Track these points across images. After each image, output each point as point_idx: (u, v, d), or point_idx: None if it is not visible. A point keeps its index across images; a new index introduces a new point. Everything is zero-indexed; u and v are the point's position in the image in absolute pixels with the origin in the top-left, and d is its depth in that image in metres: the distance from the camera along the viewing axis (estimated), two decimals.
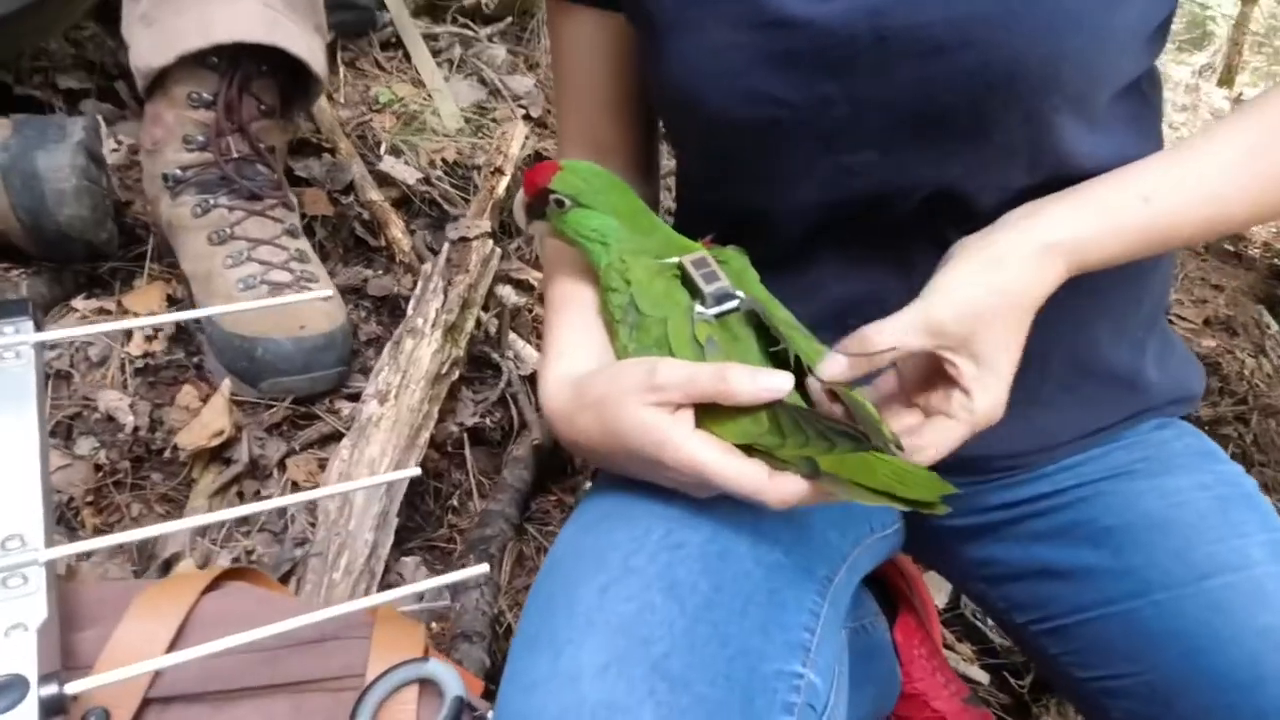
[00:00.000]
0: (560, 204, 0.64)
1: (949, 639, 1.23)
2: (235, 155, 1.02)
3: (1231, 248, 2.87)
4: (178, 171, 1.01)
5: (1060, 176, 0.63)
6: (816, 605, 0.62)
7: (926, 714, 1.04)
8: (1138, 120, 0.70)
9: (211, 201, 1.01)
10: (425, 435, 0.92)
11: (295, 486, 0.86)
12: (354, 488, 0.63)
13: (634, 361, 0.58)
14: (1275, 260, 2.83)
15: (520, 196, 0.66)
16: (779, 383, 0.53)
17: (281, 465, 0.90)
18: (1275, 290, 2.53)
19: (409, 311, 1.03)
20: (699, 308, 0.60)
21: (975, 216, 0.62)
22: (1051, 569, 0.77)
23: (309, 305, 0.94)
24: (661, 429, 0.54)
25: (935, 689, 1.05)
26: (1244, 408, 1.90)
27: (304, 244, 1.07)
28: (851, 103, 0.62)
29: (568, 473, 1.10)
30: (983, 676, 1.21)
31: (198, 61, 0.98)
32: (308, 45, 1.02)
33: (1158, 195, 0.60)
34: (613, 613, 0.54)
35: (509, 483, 0.99)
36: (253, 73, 1.02)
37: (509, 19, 1.95)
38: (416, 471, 0.58)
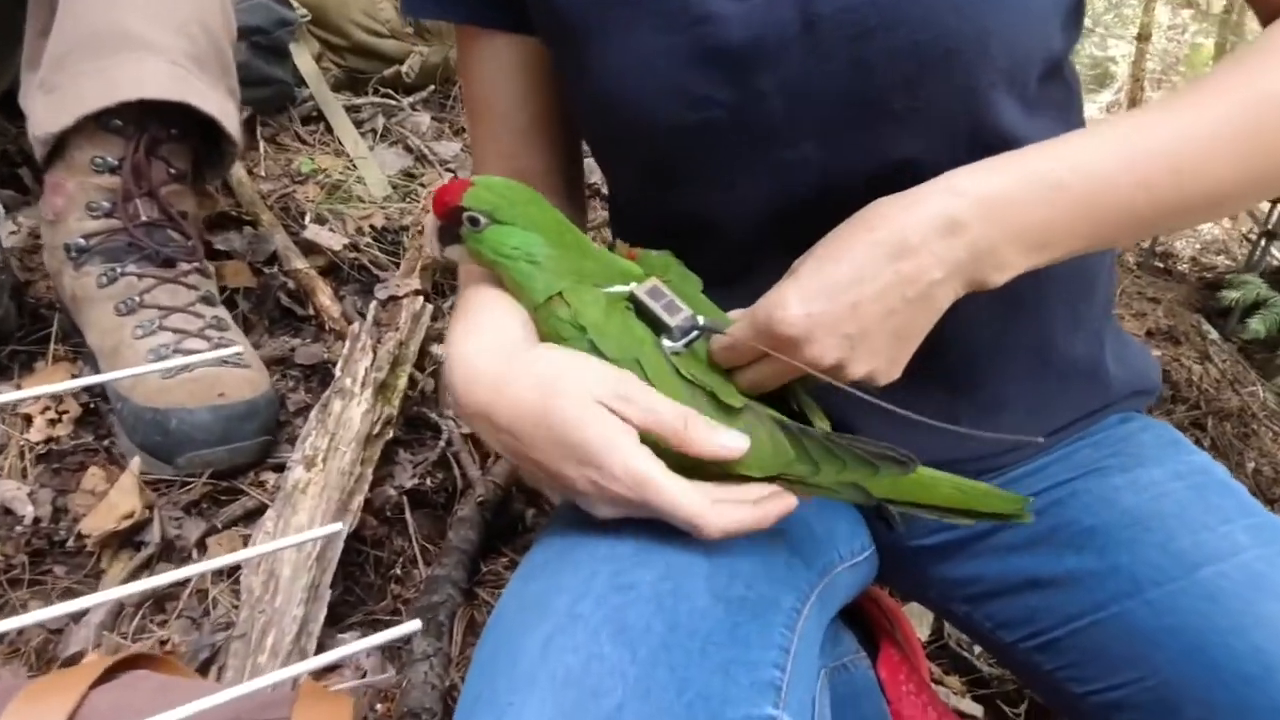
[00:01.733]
0: (475, 222, 0.58)
1: (936, 673, 1.17)
2: (144, 220, 0.97)
3: (1162, 265, 2.95)
4: (81, 240, 0.95)
5: None
6: (785, 639, 0.57)
7: None
8: (1066, 109, 0.69)
9: (119, 270, 0.94)
10: (359, 500, 0.86)
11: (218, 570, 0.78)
12: (272, 549, 0.56)
13: (600, 362, 0.55)
14: (1204, 274, 2.92)
15: (431, 220, 0.61)
16: (736, 443, 0.52)
17: (201, 545, 0.82)
18: (1209, 300, 2.60)
19: (337, 373, 0.97)
20: (666, 342, 0.56)
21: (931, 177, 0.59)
22: (1035, 579, 0.73)
23: (228, 372, 0.88)
24: (617, 433, 0.51)
25: None
26: (1198, 413, 1.91)
27: (222, 311, 1.01)
28: (786, 95, 0.59)
29: (518, 531, 1.04)
30: (976, 709, 1.15)
31: (100, 124, 0.93)
32: (220, 105, 0.98)
33: (1080, 164, 0.55)
34: (558, 665, 0.48)
35: (455, 545, 0.92)
36: (161, 135, 0.97)
37: (431, 87, 1.95)
38: (339, 528, 0.52)
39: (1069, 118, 0.70)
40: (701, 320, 0.57)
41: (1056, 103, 0.67)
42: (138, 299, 0.94)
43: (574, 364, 0.54)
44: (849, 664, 0.97)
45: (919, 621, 1.19)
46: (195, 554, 0.80)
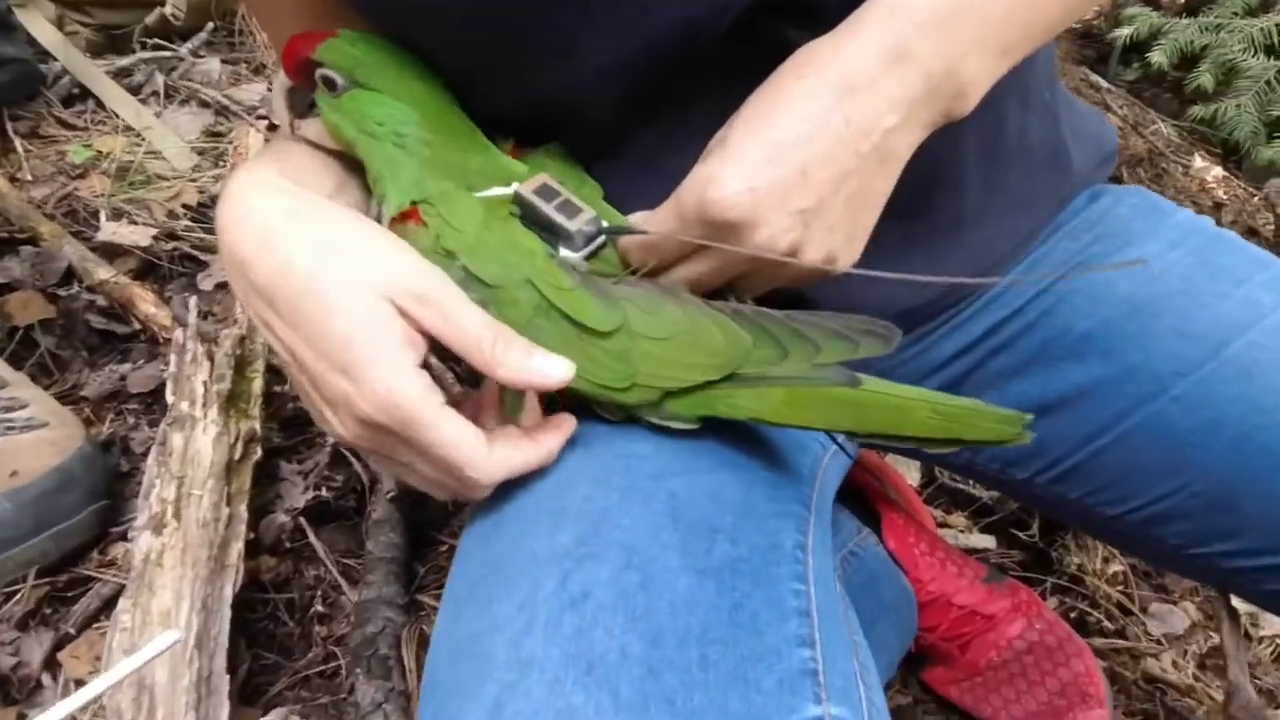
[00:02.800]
0: (331, 84, 0.47)
1: (938, 516, 1.09)
2: None
3: None
4: None
5: None
6: (801, 598, 0.45)
7: (953, 614, 0.90)
8: None
9: None
10: (238, 547, 0.68)
11: (81, 685, 0.61)
12: (92, 694, 0.39)
13: (413, 252, 0.44)
14: (1073, 25, 2.83)
15: (280, 82, 0.48)
16: (555, 370, 0.43)
17: (51, 663, 0.64)
18: (1085, 50, 2.51)
19: (169, 398, 0.78)
20: (564, 252, 0.46)
21: (816, 14, 0.47)
22: (1041, 403, 0.64)
23: (15, 442, 0.68)
24: (392, 342, 0.41)
25: (951, 583, 0.90)
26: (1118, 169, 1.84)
27: None
28: None
29: (449, 510, 0.88)
30: (987, 540, 1.08)
31: None
32: None
33: None
34: None
35: (377, 556, 0.76)
36: None
37: (210, 25, 1.66)
38: (175, 638, 0.36)
39: None
40: (605, 223, 0.47)
41: None
42: None
43: (372, 241, 0.44)
44: (856, 549, 0.87)
45: (907, 468, 1.09)
46: (46, 678, 0.63)
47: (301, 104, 0.50)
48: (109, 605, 0.69)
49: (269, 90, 1.58)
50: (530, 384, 0.43)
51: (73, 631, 0.67)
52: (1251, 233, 1.89)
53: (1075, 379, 0.63)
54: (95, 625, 0.69)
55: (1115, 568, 1.07)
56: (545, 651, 0.38)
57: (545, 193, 0.47)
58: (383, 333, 0.41)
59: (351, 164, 0.51)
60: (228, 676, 0.58)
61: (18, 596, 0.69)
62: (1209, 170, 2.08)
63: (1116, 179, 1.85)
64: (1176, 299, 0.61)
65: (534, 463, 0.45)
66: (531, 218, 0.47)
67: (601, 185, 0.54)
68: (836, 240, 0.46)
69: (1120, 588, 1.06)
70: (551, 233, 0.47)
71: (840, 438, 0.63)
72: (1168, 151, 2.06)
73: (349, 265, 0.42)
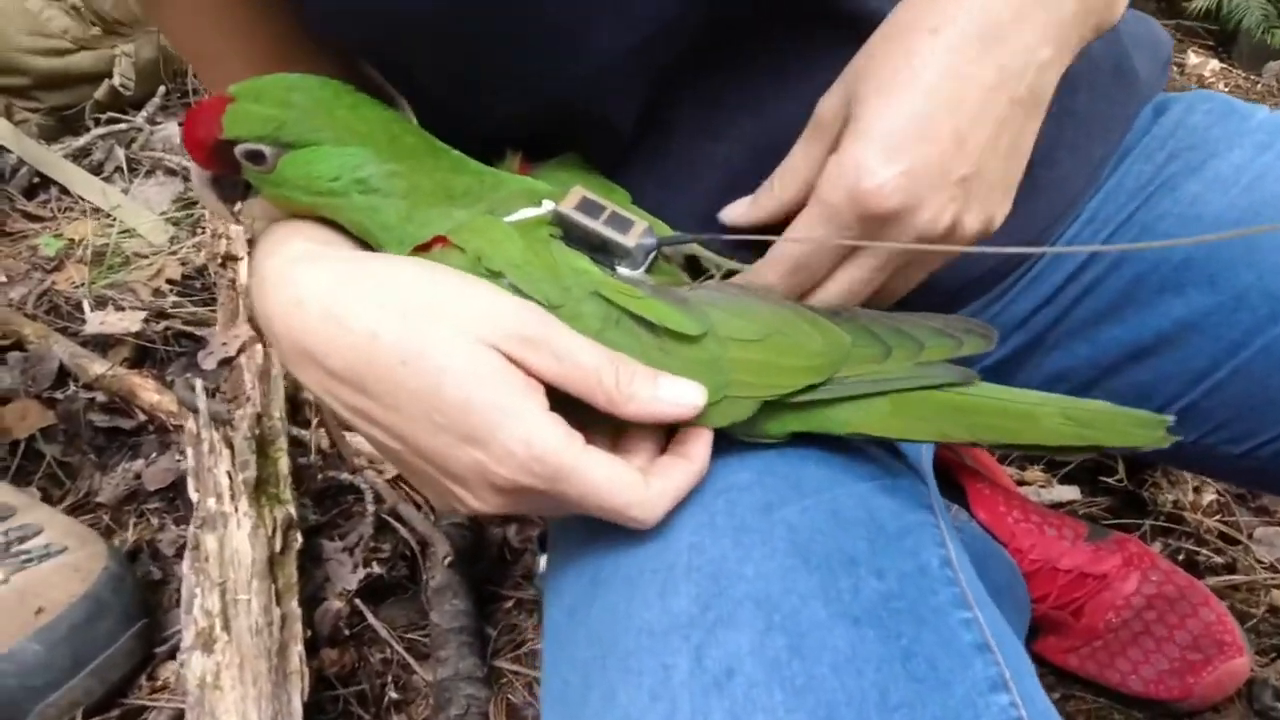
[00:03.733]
0: (256, 157, 0.39)
1: (1015, 475, 1.03)
2: None
3: None
4: None
5: None
6: (971, 625, 0.38)
7: (1060, 580, 0.84)
8: None
9: None
10: (298, 649, 0.62)
11: None
12: None
13: (489, 284, 0.38)
14: None
15: (196, 172, 0.41)
16: (689, 397, 0.38)
17: None
18: None
19: (192, 497, 0.71)
20: (623, 270, 0.41)
21: None
22: (1137, 348, 0.59)
23: (35, 575, 0.62)
24: (517, 393, 0.35)
25: (1053, 547, 0.85)
26: None
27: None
28: None
29: (507, 561, 0.82)
30: (1071, 491, 1.02)
31: None
32: None
33: None
34: None
35: (445, 628, 0.70)
36: None
37: (162, 90, 1.59)
38: None
39: None
40: (654, 234, 0.42)
41: None
42: None
43: (452, 286, 0.37)
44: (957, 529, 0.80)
45: None
46: None
47: (233, 189, 0.42)
48: None
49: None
50: (662, 417, 0.38)
51: None
52: None
53: (1176, 314, 0.57)
54: None
55: (1209, 497, 1.01)
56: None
57: (588, 208, 0.41)
58: (501, 385, 0.35)
59: None
60: None
61: None
62: (1206, 64, 2.02)
63: None
64: None
65: (693, 482, 0.40)
66: (578, 237, 0.41)
67: (629, 191, 0.48)
68: (994, 200, 0.42)
69: (1218, 517, 1.00)
70: (605, 251, 0.41)
71: None
72: None
73: (438, 319, 0.36)
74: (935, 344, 0.41)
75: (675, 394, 0.37)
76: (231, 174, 0.41)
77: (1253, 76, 1.99)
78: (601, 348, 0.37)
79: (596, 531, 0.41)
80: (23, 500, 0.76)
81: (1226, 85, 1.98)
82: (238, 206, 0.43)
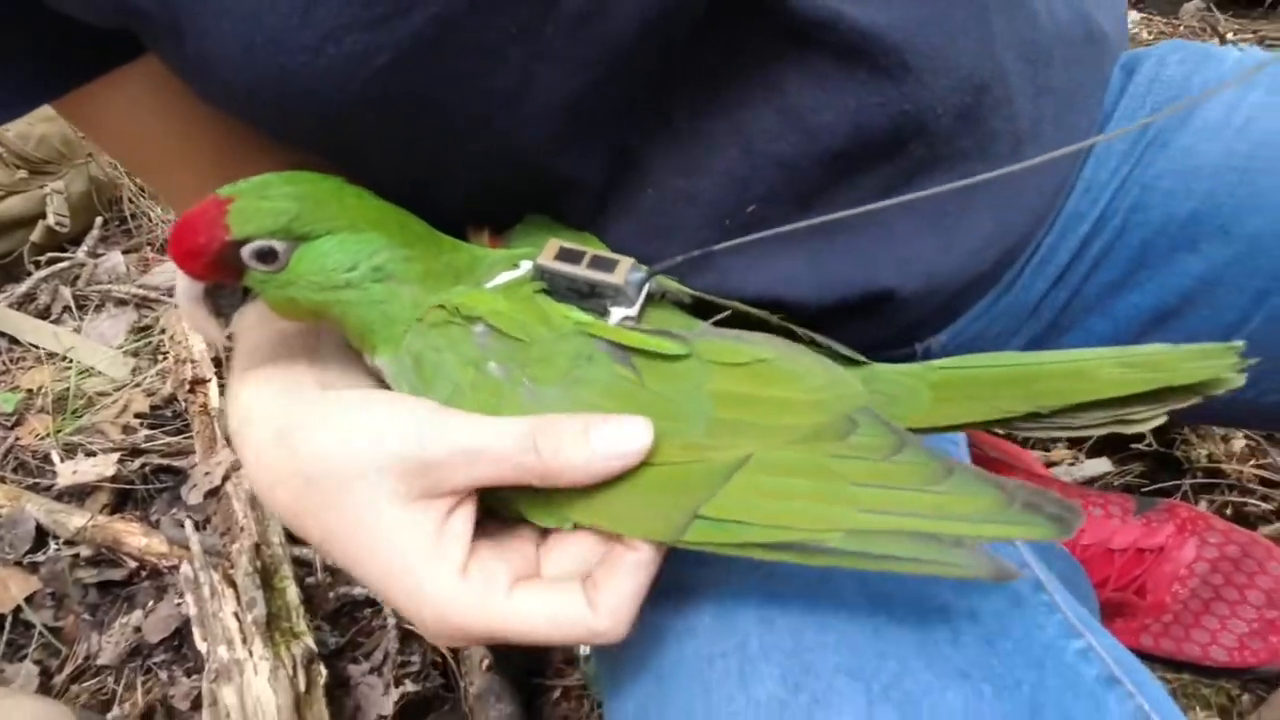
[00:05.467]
0: (267, 256, 0.36)
1: (1040, 456, 1.00)
2: None
3: None
4: None
5: None
6: (1094, 663, 0.36)
7: (1117, 560, 0.81)
8: None
9: None
10: None
11: None
12: None
13: (383, 405, 0.36)
14: None
15: (187, 288, 0.37)
16: (628, 436, 0.33)
17: None
18: None
19: (200, 648, 0.66)
20: (617, 311, 0.38)
21: None
22: (1161, 310, 0.57)
23: None
24: (418, 551, 0.33)
25: (1103, 526, 0.82)
26: None
27: None
28: None
29: (543, 648, 0.77)
30: (1102, 465, 0.99)
31: None
32: None
33: None
34: None
35: None
36: None
37: (99, 221, 1.55)
38: None
39: None
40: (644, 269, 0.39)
41: None
42: None
43: (333, 443, 0.35)
44: None
45: None
46: None
47: (230, 302, 0.39)
48: None
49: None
50: (607, 473, 0.33)
51: None
52: None
53: (1194, 270, 0.55)
54: None
55: (1239, 444, 0.98)
56: None
57: (568, 255, 0.39)
58: (410, 549, 0.33)
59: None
60: None
61: None
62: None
63: None
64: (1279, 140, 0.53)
65: (644, 573, 0.34)
66: (565, 288, 0.39)
67: (611, 242, 0.45)
68: None
69: (1252, 463, 0.97)
70: (595, 296, 0.38)
71: None
72: None
73: (336, 484, 0.34)
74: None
75: (612, 443, 0.33)
76: (231, 282, 0.38)
77: (1173, 21, 2.02)
78: (514, 422, 0.34)
79: (651, 623, 0.37)
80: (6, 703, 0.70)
81: (1149, 33, 2.01)
82: (232, 323, 0.39)
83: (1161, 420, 0.36)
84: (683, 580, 0.39)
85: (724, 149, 0.45)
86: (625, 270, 0.38)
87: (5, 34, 0.42)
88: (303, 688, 0.62)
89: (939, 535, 0.31)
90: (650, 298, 0.40)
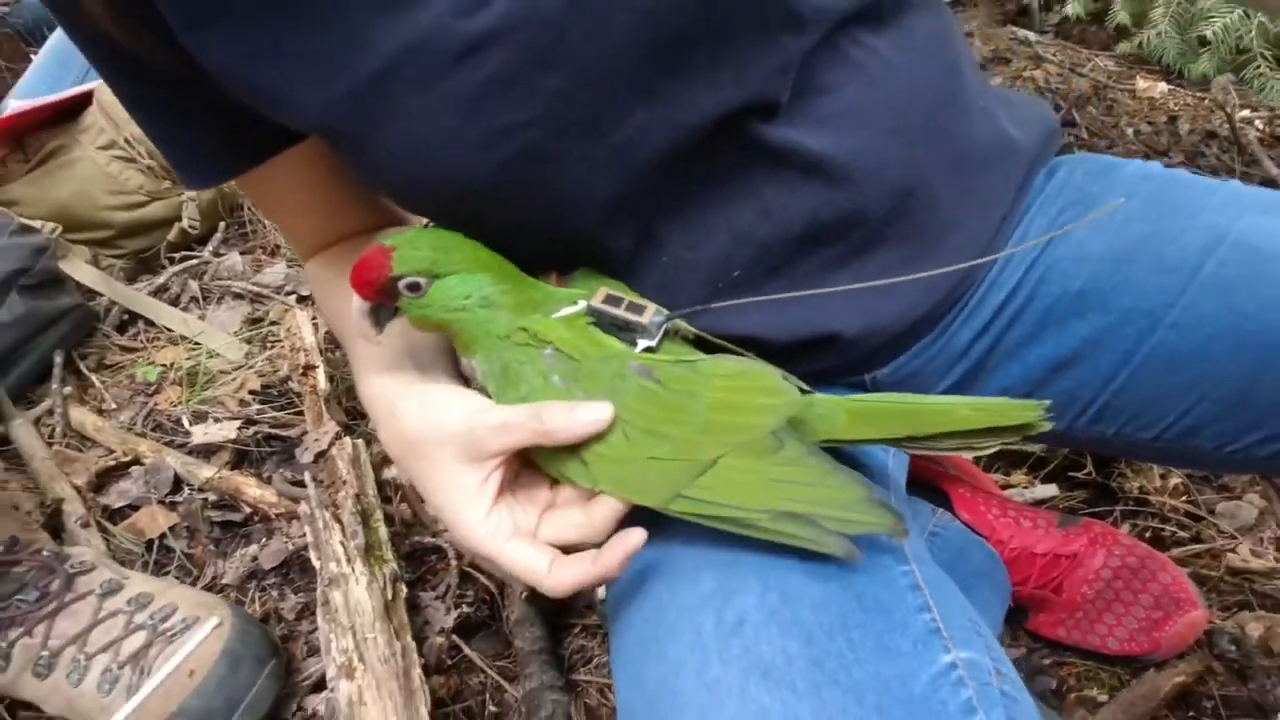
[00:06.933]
0: (416, 288, 0.53)
1: (1000, 479, 1.17)
2: None
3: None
4: None
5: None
6: (908, 575, 0.54)
7: (1037, 564, 0.98)
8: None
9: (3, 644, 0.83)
10: (416, 672, 0.79)
11: None
12: None
13: (444, 403, 0.55)
14: None
15: (359, 305, 0.54)
16: (596, 414, 0.51)
17: None
18: (1006, 8, 2.63)
19: (315, 564, 0.89)
20: (643, 341, 0.54)
21: (772, 107, 0.58)
22: (1058, 362, 0.71)
23: (183, 646, 0.78)
24: (461, 504, 0.53)
25: (1028, 535, 0.99)
26: (1062, 109, 1.94)
27: (138, 583, 0.91)
28: (583, 80, 0.53)
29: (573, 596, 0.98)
30: (1050, 489, 1.15)
31: None
32: None
33: None
34: None
35: (529, 651, 0.86)
36: None
37: (222, 224, 1.80)
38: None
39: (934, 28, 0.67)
40: (664, 312, 0.56)
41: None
42: (47, 653, 0.83)
43: (421, 418, 0.54)
44: (936, 529, 0.95)
45: None
46: None
47: (385, 317, 0.56)
48: None
49: (285, 266, 1.72)
50: (584, 432, 0.51)
51: None
52: (1210, 135, 1.97)
53: (1081, 333, 0.69)
54: None
55: (1174, 480, 1.13)
56: (725, 673, 0.47)
57: (612, 300, 0.55)
58: (456, 495, 0.52)
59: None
60: None
61: None
62: (1154, 87, 2.17)
63: (1070, 123, 1.96)
64: (1148, 241, 0.67)
65: (595, 577, 0.51)
66: (607, 323, 0.55)
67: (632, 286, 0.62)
68: None
69: (1184, 498, 1.12)
70: (628, 330, 0.54)
71: None
72: (1110, 82, 2.15)
73: (420, 451, 0.54)
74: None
75: (586, 416, 0.51)
76: (388, 303, 0.55)
77: (1199, 94, 2.13)
78: (528, 408, 0.51)
79: (640, 557, 0.54)
80: (157, 586, 0.91)
81: (1176, 104, 2.13)
82: (384, 330, 0.58)
83: (995, 449, 0.53)
84: (670, 549, 0.55)
85: (718, 233, 0.63)
86: (651, 314, 0.54)
87: (208, 120, 0.62)
88: (389, 598, 0.84)
89: (819, 520, 0.49)
90: (665, 333, 0.55)
